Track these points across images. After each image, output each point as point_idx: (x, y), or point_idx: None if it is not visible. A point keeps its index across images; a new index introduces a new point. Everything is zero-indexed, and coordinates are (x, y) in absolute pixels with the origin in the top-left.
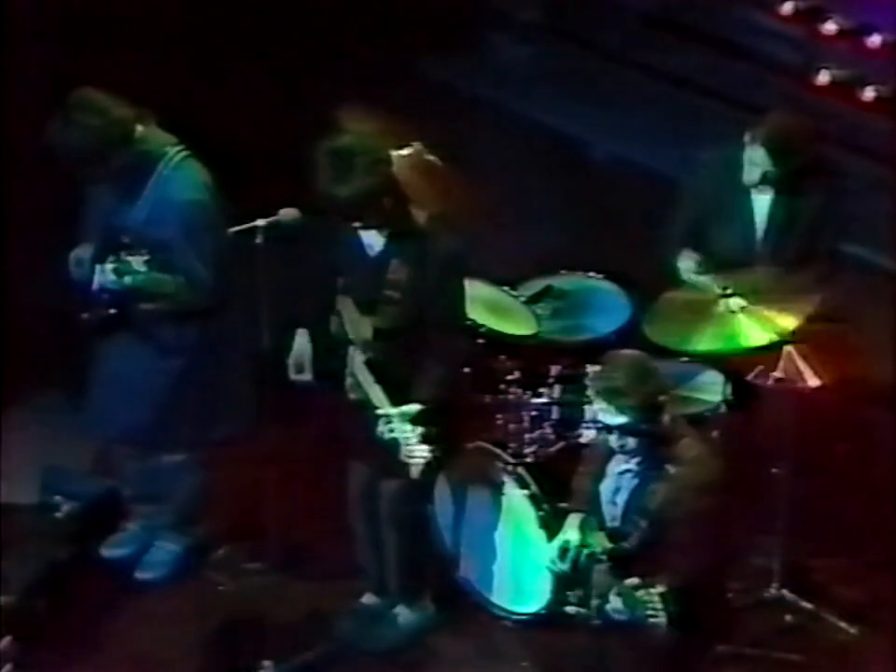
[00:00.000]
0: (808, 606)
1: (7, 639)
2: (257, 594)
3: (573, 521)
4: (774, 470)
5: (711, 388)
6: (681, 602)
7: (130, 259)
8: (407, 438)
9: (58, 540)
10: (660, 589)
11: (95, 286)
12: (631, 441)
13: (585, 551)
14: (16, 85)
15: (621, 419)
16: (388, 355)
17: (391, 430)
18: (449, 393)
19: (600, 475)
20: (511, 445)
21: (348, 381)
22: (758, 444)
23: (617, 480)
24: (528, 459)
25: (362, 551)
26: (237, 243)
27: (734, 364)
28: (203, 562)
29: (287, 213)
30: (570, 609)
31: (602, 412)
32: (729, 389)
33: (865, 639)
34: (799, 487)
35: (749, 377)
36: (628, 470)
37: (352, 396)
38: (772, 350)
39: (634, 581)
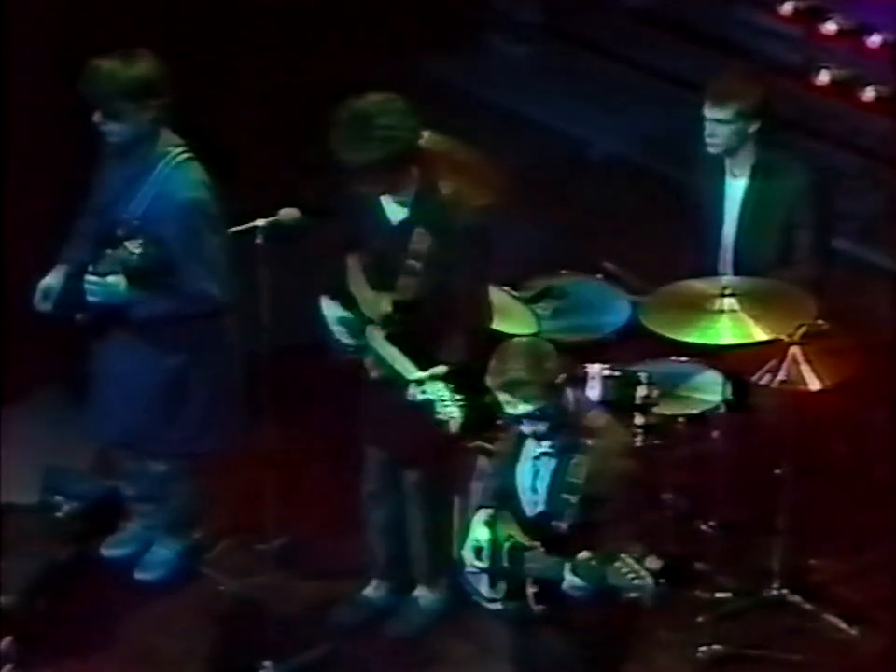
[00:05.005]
0: (809, 606)
1: (7, 639)
2: (257, 593)
3: (479, 518)
4: (776, 471)
5: (711, 388)
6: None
7: (121, 250)
8: (441, 396)
9: (58, 541)
10: (636, 555)
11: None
12: (541, 426)
13: (507, 544)
14: (17, 84)
15: (526, 408)
16: (409, 327)
17: (423, 392)
18: (475, 358)
19: (513, 464)
20: None
21: (368, 360)
22: (760, 445)
23: (534, 465)
24: None
25: (374, 538)
26: (237, 242)
27: (734, 364)
28: (203, 562)
29: (287, 213)
30: (495, 606)
31: (506, 404)
32: (729, 389)
33: (865, 639)
34: (800, 488)
35: (754, 379)
36: (544, 454)
37: (373, 374)
38: (751, 348)
39: (586, 554)
